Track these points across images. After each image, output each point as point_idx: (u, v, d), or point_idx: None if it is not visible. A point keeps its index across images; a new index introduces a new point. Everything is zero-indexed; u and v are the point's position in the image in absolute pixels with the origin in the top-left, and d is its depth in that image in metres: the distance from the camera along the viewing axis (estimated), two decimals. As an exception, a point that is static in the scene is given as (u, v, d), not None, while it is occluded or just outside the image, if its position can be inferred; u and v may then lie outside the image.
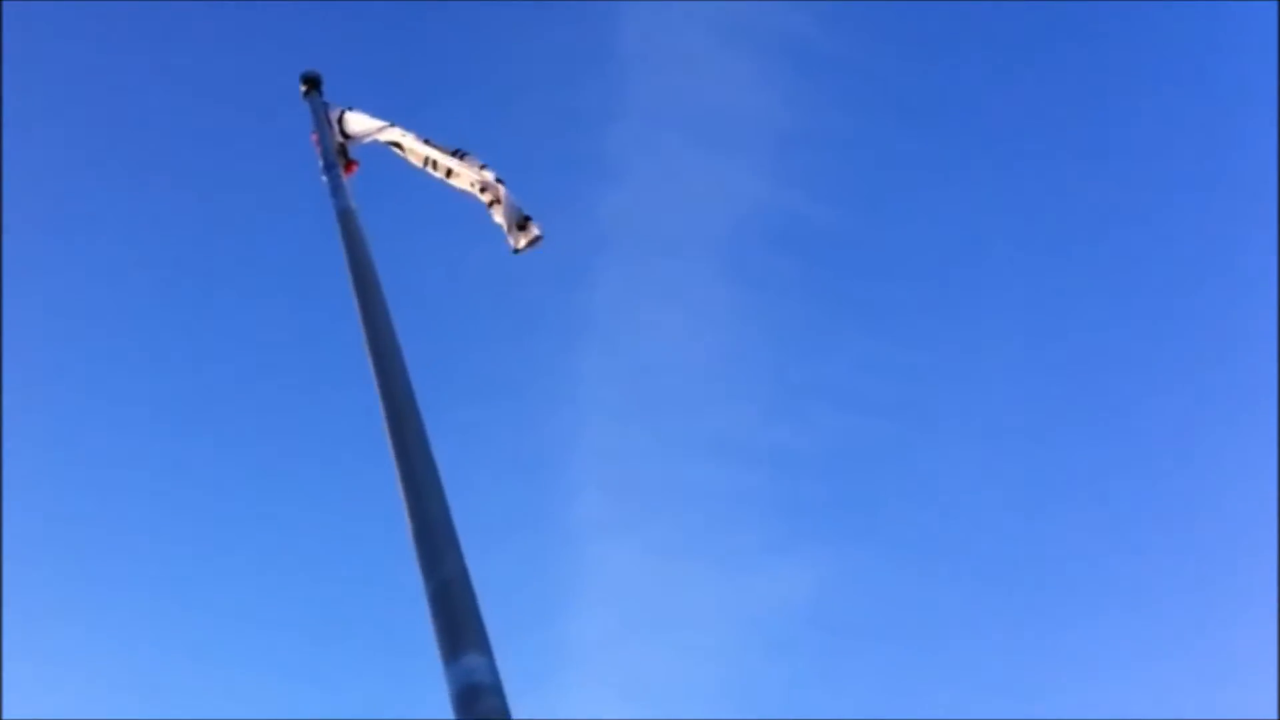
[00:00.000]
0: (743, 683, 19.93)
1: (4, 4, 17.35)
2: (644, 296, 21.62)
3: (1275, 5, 18.81)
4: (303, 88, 7.77)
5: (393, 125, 7.66)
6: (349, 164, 7.22)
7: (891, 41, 22.35)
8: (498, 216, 7.67)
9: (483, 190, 7.71)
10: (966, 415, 21.88)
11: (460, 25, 21.93)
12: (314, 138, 7.33)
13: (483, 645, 4.32)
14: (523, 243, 7.62)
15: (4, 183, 17.42)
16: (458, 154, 7.78)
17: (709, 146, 21.69)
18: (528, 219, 7.65)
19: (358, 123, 7.57)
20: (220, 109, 21.33)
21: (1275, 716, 15.94)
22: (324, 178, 6.88)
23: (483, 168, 7.72)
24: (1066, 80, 22.53)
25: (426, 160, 7.84)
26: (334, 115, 7.54)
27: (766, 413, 21.84)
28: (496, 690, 3.97)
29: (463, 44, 22.14)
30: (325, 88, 7.88)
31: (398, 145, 7.84)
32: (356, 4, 21.24)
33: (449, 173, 7.80)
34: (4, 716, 14.95)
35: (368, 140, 7.53)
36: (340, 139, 7.36)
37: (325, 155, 7.05)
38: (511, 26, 21.86)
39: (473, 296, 20.98)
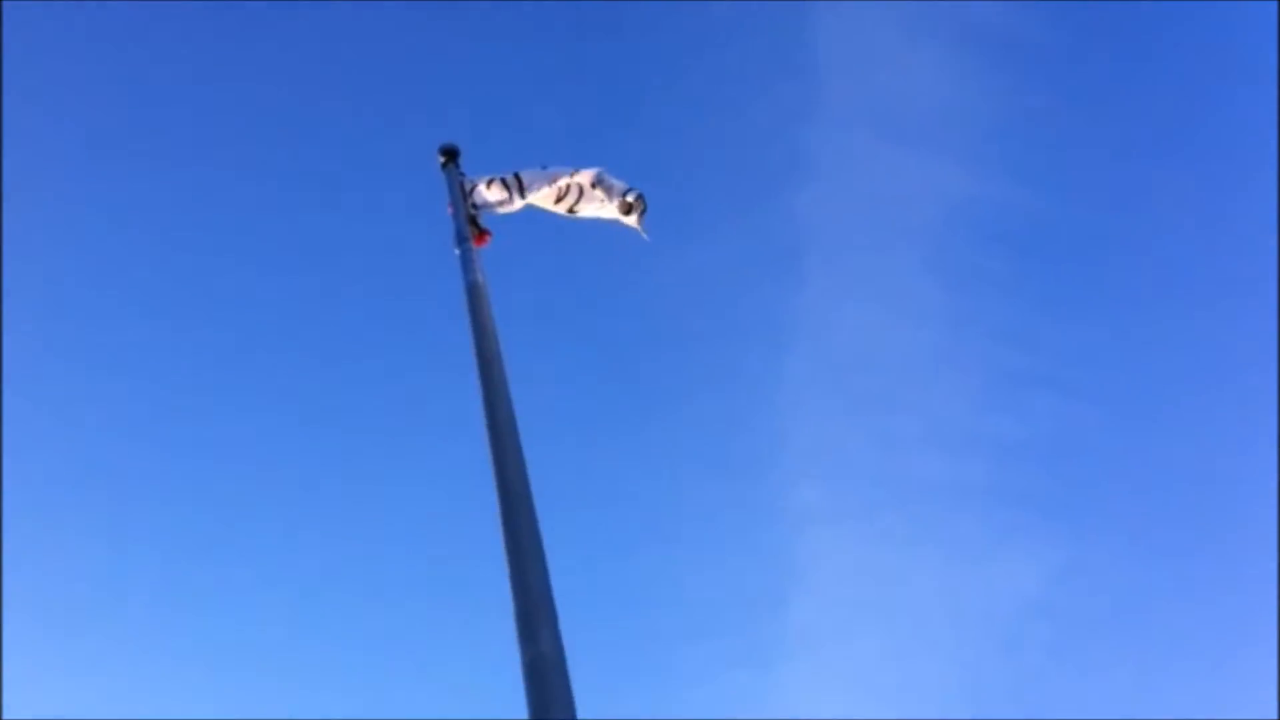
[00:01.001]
0: (970, 677, 19.75)
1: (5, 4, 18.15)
2: (850, 293, 21.68)
3: (1275, 5, 17.84)
4: (441, 159, 8.19)
5: (519, 184, 8.00)
6: (481, 234, 7.61)
7: (1082, 26, 21.78)
8: (630, 221, 7.98)
9: (626, 211, 7.98)
10: (1180, 400, 21.18)
11: (653, 33, 22.32)
12: (450, 210, 7.75)
13: None
14: (634, 219, 7.91)
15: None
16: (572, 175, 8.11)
17: (906, 142, 21.66)
18: (625, 195, 7.98)
19: (486, 193, 7.92)
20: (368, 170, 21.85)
21: (1275, 717, 15.17)
22: (456, 251, 7.29)
23: (595, 183, 8.03)
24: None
25: (561, 195, 8.14)
26: (469, 187, 7.92)
27: (982, 403, 21.63)
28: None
29: (658, 52, 22.53)
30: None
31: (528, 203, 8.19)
32: (551, 17, 21.87)
33: (580, 195, 8.11)
34: (4, 717, 15.36)
35: (499, 211, 7.90)
36: (472, 210, 7.74)
37: (459, 229, 7.46)
38: (705, 33, 22.16)
39: (682, 299, 21.36)
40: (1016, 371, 21.48)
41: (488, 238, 7.64)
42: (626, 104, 22.40)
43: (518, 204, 7.98)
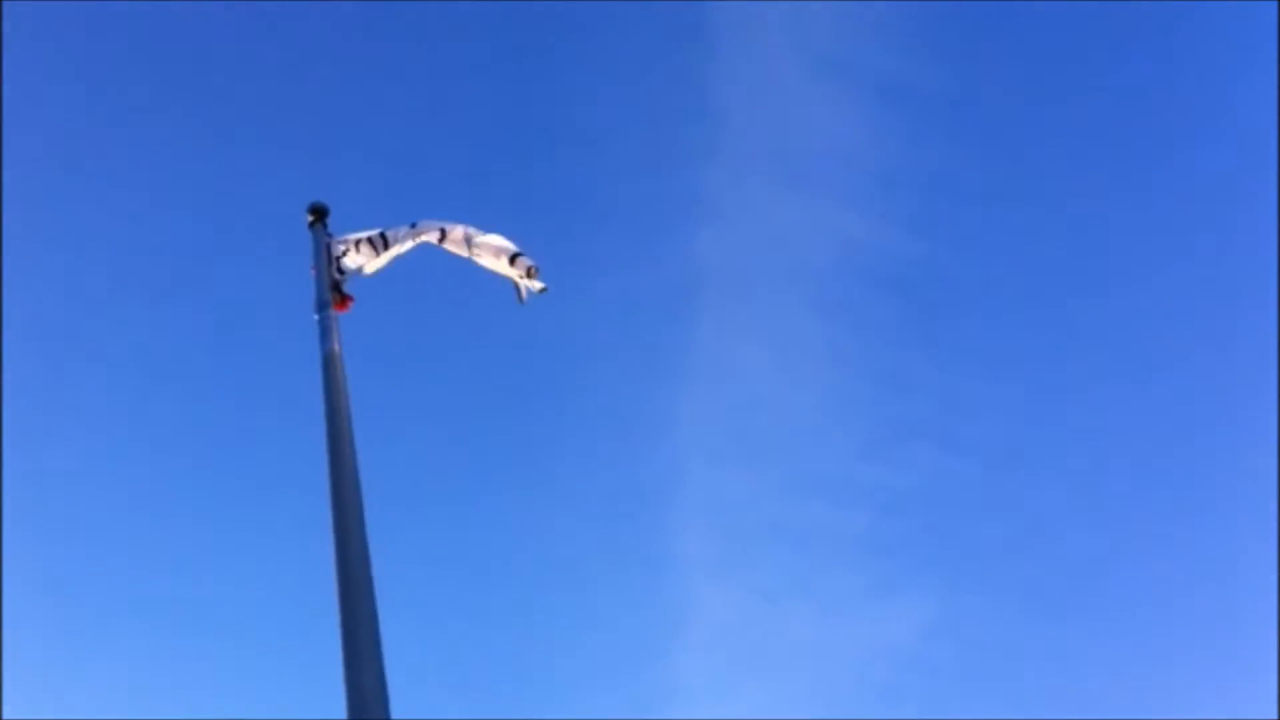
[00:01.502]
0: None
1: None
2: (741, 336, 21.76)
3: (1275, 5, 18.48)
4: (309, 218, 8.02)
5: (385, 242, 7.84)
6: (343, 300, 7.46)
7: (982, 76, 22.18)
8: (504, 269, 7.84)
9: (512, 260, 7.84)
10: (1066, 453, 21.57)
11: (556, 73, 22.29)
12: (313, 271, 7.59)
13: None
14: (524, 283, 7.77)
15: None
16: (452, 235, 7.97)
17: (802, 186, 21.82)
18: (515, 257, 7.84)
19: (354, 259, 7.77)
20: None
21: (1275, 717, 15.57)
22: (316, 316, 7.15)
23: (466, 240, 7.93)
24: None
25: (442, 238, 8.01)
26: (336, 250, 7.76)
27: (866, 452, 21.80)
28: None
29: (559, 91, 22.49)
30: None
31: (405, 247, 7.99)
32: (448, 55, 21.76)
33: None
34: (4, 717, 15.10)
35: (365, 273, 7.76)
36: (337, 275, 7.60)
37: (319, 294, 7.32)
38: (605, 72, 22.19)
39: (573, 342, 21.28)
40: (899, 421, 21.78)
41: (350, 303, 7.50)
42: (521, 145, 22.37)
43: (382, 260, 7.83)
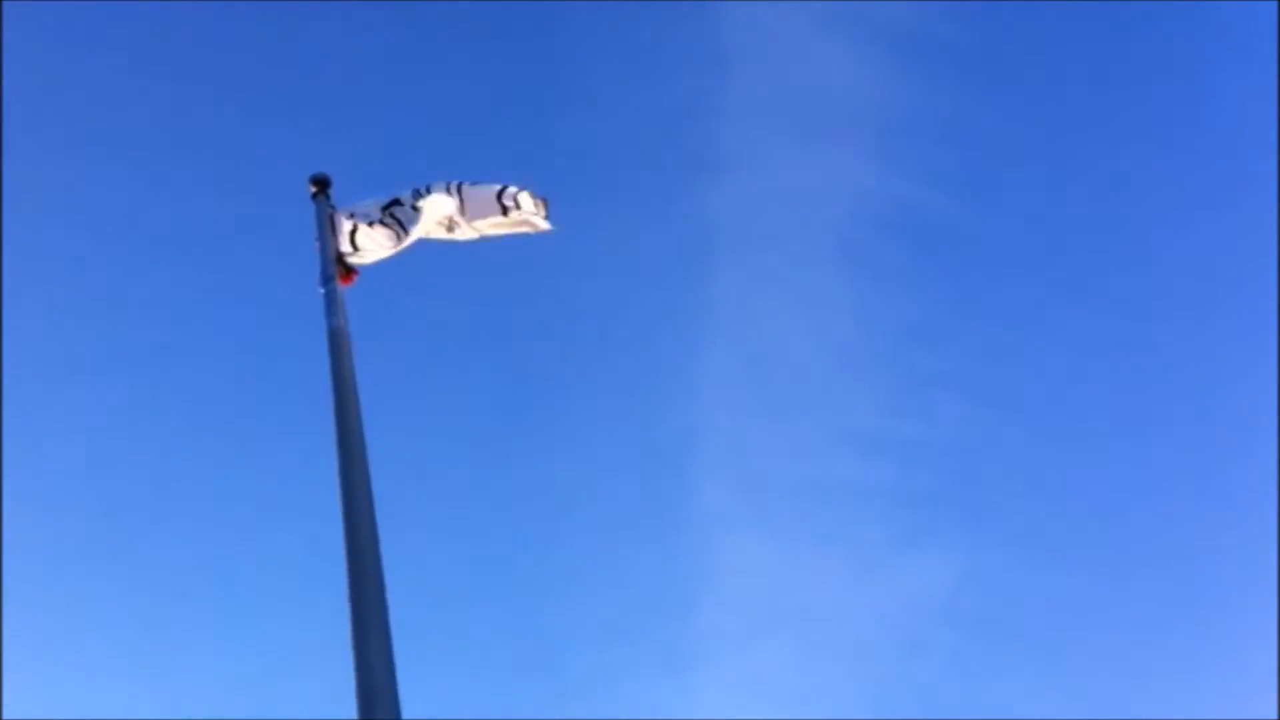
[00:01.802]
0: (874, 681, 19.88)
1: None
2: (760, 290, 21.65)
3: (1275, 5, 18.26)
4: (312, 189, 7.92)
5: (400, 224, 7.73)
6: (349, 272, 7.37)
7: (995, 24, 21.92)
8: (519, 225, 7.79)
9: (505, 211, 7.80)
10: (1093, 403, 21.44)
11: (560, 27, 22.08)
12: (317, 245, 7.49)
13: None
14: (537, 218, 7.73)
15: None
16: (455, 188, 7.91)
17: (816, 137, 21.58)
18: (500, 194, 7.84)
19: (369, 236, 7.65)
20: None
21: (1275, 717, 15.51)
22: (320, 290, 7.05)
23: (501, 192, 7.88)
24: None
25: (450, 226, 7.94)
26: (342, 222, 7.65)
27: (892, 404, 21.69)
28: None
29: (564, 45, 22.30)
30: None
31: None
32: (451, 8, 21.59)
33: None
34: (4, 717, 15.06)
35: (384, 255, 7.66)
36: (348, 248, 7.50)
37: (324, 267, 7.22)
38: (612, 25, 21.97)
39: (588, 298, 21.20)
40: (924, 372, 21.66)
41: (355, 277, 7.41)
42: (528, 100, 22.20)
43: (391, 252, 7.74)
